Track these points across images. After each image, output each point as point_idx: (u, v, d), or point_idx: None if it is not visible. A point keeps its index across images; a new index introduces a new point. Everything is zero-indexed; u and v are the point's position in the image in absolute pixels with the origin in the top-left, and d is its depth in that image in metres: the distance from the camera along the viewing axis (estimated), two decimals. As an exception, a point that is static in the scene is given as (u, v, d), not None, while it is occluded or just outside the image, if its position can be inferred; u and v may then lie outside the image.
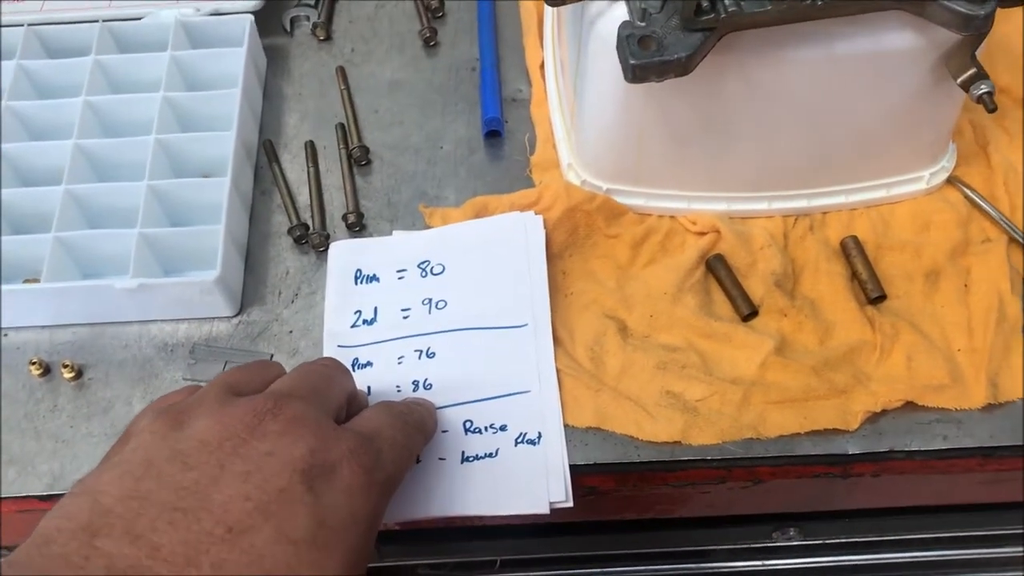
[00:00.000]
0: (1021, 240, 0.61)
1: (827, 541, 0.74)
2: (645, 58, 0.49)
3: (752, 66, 0.53)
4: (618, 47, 0.51)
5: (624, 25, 0.51)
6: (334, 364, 0.51)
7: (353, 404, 0.50)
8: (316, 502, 0.39)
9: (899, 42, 0.53)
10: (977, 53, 0.54)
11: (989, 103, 0.53)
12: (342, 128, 0.68)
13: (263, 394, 0.44)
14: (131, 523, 0.37)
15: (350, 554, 0.40)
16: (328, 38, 0.74)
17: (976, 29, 0.51)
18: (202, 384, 0.56)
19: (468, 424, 0.55)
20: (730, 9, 0.49)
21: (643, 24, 0.51)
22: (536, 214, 0.62)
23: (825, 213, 0.63)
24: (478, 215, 0.63)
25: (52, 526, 0.37)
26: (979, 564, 0.80)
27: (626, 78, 0.50)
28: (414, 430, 0.49)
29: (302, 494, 0.39)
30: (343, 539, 0.40)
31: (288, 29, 0.74)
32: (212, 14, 0.70)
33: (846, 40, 0.53)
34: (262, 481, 0.39)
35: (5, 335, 0.60)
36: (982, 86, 0.53)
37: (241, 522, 0.37)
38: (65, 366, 0.58)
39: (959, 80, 0.54)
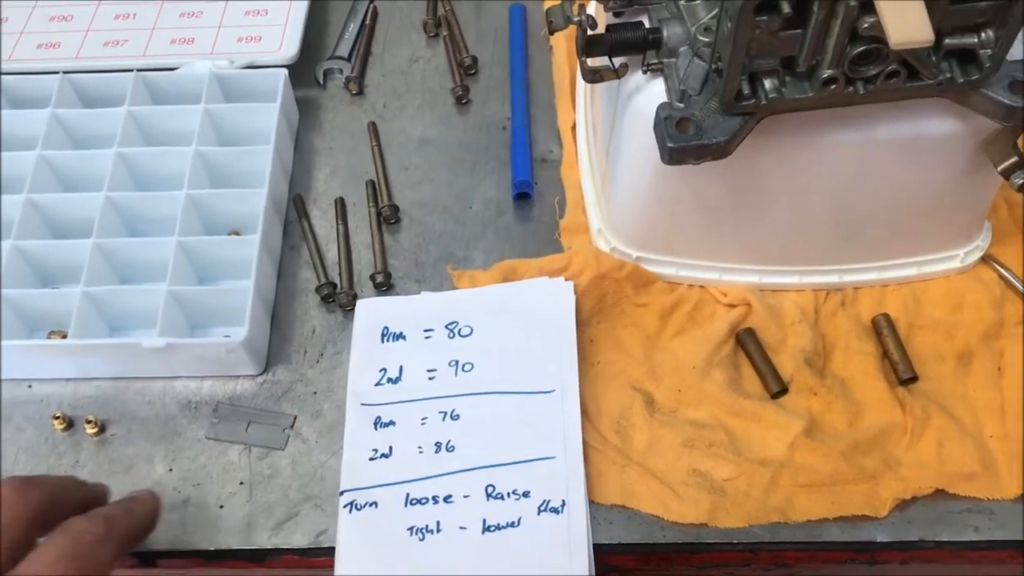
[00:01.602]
0: (1056, 324, 0.60)
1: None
2: (683, 141, 0.49)
3: (790, 148, 0.53)
4: (656, 129, 0.50)
5: (663, 106, 0.50)
6: (62, 485, 0.48)
7: (54, 517, 0.45)
8: None
9: (940, 128, 0.53)
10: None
11: (1030, 192, 0.52)
12: (372, 185, 0.68)
13: None
14: None
15: None
16: (360, 92, 0.74)
17: (1019, 120, 0.50)
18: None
19: (490, 489, 0.55)
20: (771, 95, 0.49)
21: (681, 105, 0.50)
22: (565, 280, 0.62)
23: (857, 288, 0.63)
24: (506, 279, 0.63)
25: None
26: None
27: (663, 160, 0.50)
28: (94, 548, 0.44)
29: None
30: None
31: (321, 82, 0.74)
32: (247, 67, 0.70)
33: (887, 125, 0.52)
34: None
35: (29, 386, 0.60)
36: (1023, 175, 0.53)
37: None
38: (88, 422, 0.58)
39: (1000, 168, 0.53)
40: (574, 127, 0.71)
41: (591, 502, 0.55)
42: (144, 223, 0.64)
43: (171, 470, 0.57)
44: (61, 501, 0.47)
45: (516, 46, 0.74)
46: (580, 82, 0.71)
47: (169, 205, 0.62)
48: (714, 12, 0.49)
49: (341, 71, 0.74)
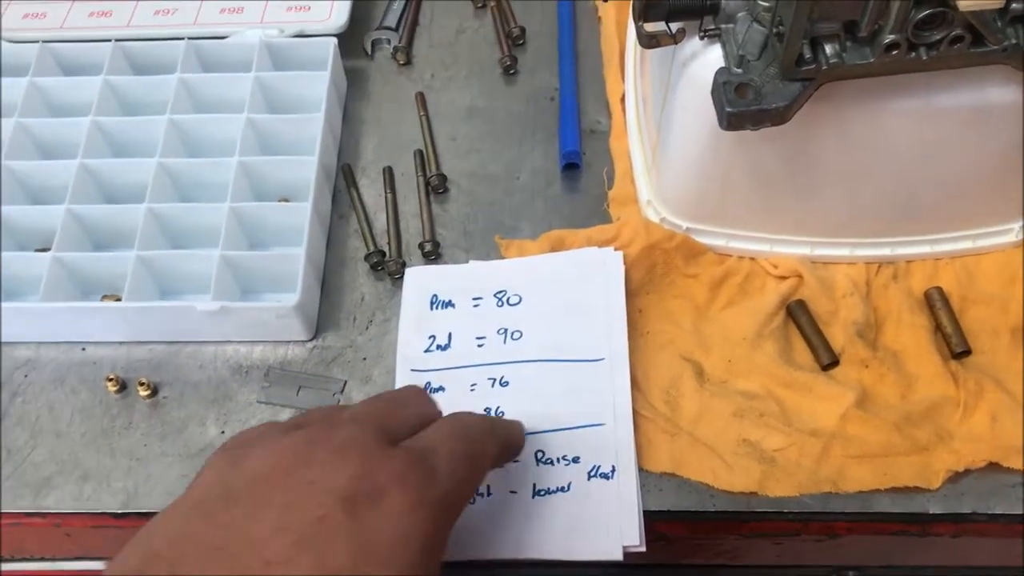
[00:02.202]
0: (1113, 299, 0.59)
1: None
2: (742, 106, 0.49)
3: (849, 116, 0.52)
4: (714, 94, 0.50)
5: (721, 71, 0.50)
6: (414, 390, 0.50)
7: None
8: (357, 529, 0.38)
9: (1003, 97, 0.52)
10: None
11: (1091, 163, 0.52)
12: (420, 155, 0.68)
13: (321, 422, 0.44)
14: (174, 565, 0.37)
15: None
16: (408, 62, 0.74)
17: (1084, 88, 0.49)
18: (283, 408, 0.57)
19: (540, 455, 0.55)
20: (832, 60, 0.48)
21: (740, 71, 0.50)
22: (615, 251, 0.62)
23: (909, 262, 0.62)
24: (554, 249, 0.63)
25: (111, 570, 0.38)
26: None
27: (721, 125, 0.50)
28: (480, 436, 0.46)
29: (342, 522, 0.37)
30: (390, 564, 0.38)
31: (369, 52, 0.74)
32: (296, 35, 0.70)
33: (948, 93, 0.52)
34: (302, 512, 0.38)
35: (83, 349, 0.61)
36: (1085, 145, 0.52)
37: (279, 555, 0.36)
38: (141, 384, 0.59)
39: (1061, 138, 0.53)
40: (623, 98, 0.70)
41: (641, 469, 0.55)
42: (196, 189, 0.64)
43: (223, 432, 0.58)
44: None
45: (564, 17, 0.74)
46: (630, 51, 0.71)
47: (221, 171, 0.63)
48: (775, -24, 0.49)
49: (389, 41, 0.74)
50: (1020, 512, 0.53)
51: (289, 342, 0.61)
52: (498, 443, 0.48)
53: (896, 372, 0.58)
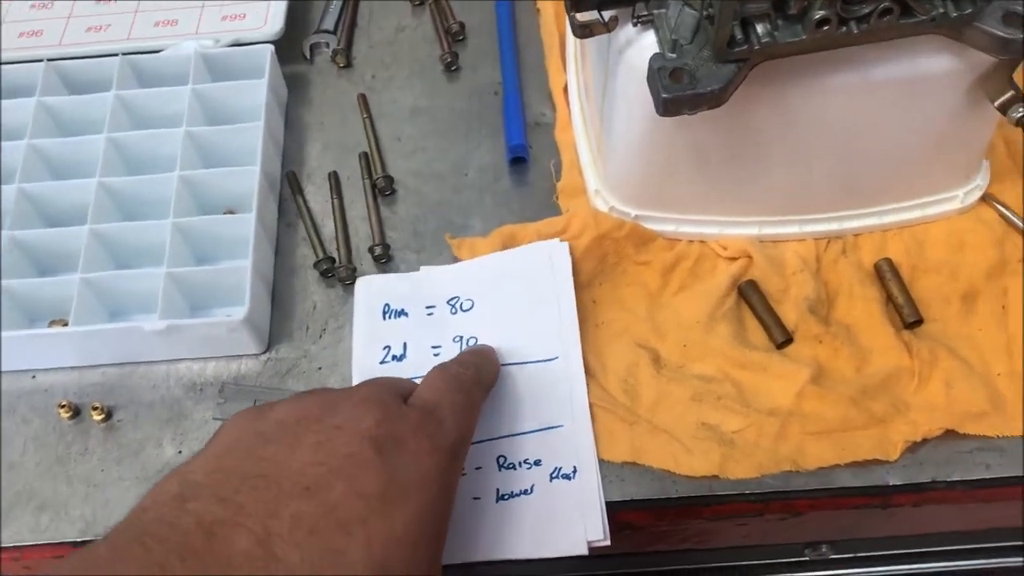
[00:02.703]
0: (1059, 259, 0.60)
1: (859, 555, 0.73)
2: (677, 91, 0.48)
3: (786, 94, 0.52)
4: (649, 80, 0.50)
5: (655, 57, 0.50)
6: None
7: None
8: (385, 464, 0.42)
9: (936, 66, 0.52)
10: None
11: (1028, 126, 0.52)
12: (365, 157, 0.68)
13: (336, 389, 0.49)
14: (217, 490, 0.40)
15: (422, 511, 0.42)
16: (348, 65, 0.73)
17: (1014, 52, 0.50)
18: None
19: (502, 460, 0.55)
20: (764, 40, 0.48)
21: (674, 55, 0.50)
22: (564, 242, 0.61)
23: (858, 235, 0.62)
24: (505, 245, 0.62)
25: (146, 501, 0.41)
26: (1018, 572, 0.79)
27: (658, 112, 0.49)
28: (472, 386, 0.51)
29: (372, 457, 0.42)
30: (414, 496, 0.42)
31: (308, 56, 0.73)
32: (232, 45, 0.69)
33: (882, 65, 0.52)
34: (333, 448, 0.42)
35: (33, 376, 0.60)
36: (1020, 109, 0.52)
37: (316, 482, 0.40)
38: (95, 408, 0.58)
39: (997, 103, 0.53)
40: (566, 88, 0.70)
41: (602, 461, 0.55)
42: (138, 206, 0.63)
43: (180, 452, 0.57)
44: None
45: (503, 10, 0.74)
46: (570, 42, 0.71)
47: (162, 187, 0.62)
48: (702, -42, 0.49)
49: (327, 44, 0.73)
50: (978, 478, 0.54)
51: (242, 356, 0.60)
52: (484, 389, 0.53)
53: (850, 346, 0.58)
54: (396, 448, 0.43)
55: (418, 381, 0.51)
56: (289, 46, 0.73)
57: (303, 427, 0.43)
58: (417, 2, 0.76)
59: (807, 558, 0.71)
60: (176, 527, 0.38)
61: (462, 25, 0.73)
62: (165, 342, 0.58)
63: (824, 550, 0.70)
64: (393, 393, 0.47)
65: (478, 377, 0.52)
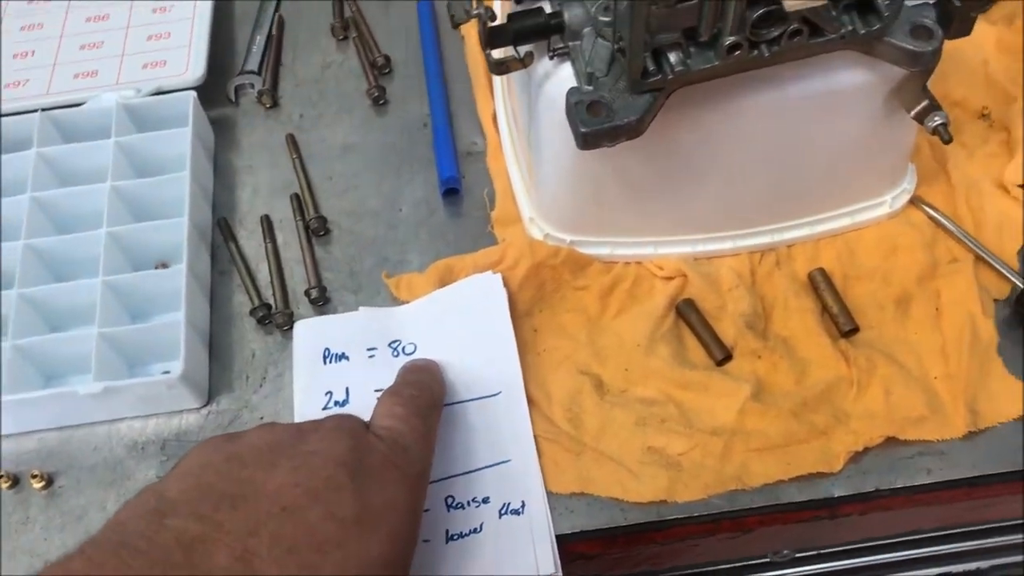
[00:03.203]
0: (987, 258, 0.61)
1: (822, 551, 0.73)
2: (595, 125, 0.49)
3: (706, 117, 0.53)
4: (568, 115, 0.50)
5: (572, 91, 0.50)
6: None
7: None
8: (359, 489, 0.43)
9: (851, 80, 0.53)
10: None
11: (944, 134, 0.53)
12: (297, 198, 0.67)
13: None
14: (195, 507, 0.41)
15: (394, 536, 0.43)
16: (275, 105, 0.72)
17: (924, 65, 0.50)
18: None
19: (450, 500, 0.54)
20: (677, 68, 0.48)
21: (590, 88, 0.50)
22: (500, 273, 0.61)
23: (791, 246, 0.63)
24: (443, 280, 0.62)
25: (122, 515, 0.41)
26: (976, 554, 0.80)
27: (578, 145, 0.49)
28: (429, 410, 0.52)
29: (347, 482, 0.43)
30: (387, 521, 0.43)
31: (233, 99, 0.73)
32: (154, 93, 0.68)
33: (798, 83, 0.52)
34: (310, 472, 0.43)
35: (-30, 447, 0.59)
36: (936, 118, 0.53)
37: (294, 503, 0.41)
38: (34, 476, 0.57)
39: (912, 113, 0.54)
40: (495, 116, 0.70)
41: (550, 493, 0.55)
42: (68, 266, 0.62)
43: (125, 514, 0.56)
44: None
45: (428, 41, 0.73)
46: (496, 70, 0.71)
47: (90, 245, 0.61)
48: (611, -9, 0.49)
49: (252, 85, 0.73)
50: (921, 483, 0.54)
51: (183, 411, 0.59)
52: (438, 409, 0.54)
53: (788, 359, 0.58)
54: (368, 475, 0.44)
55: None
56: (213, 89, 0.72)
57: (278, 452, 0.44)
58: (341, 37, 0.75)
59: (769, 559, 0.72)
60: (154, 542, 0.39)
61: (387, 58, 0.73)
62: (103, 403, 0.57)
63: (786, 552, 0.71)
64: (360, 424, 0.48)
65: (431, 399, 0.53)
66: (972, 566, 0.85)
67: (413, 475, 0.46)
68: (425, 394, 0.53)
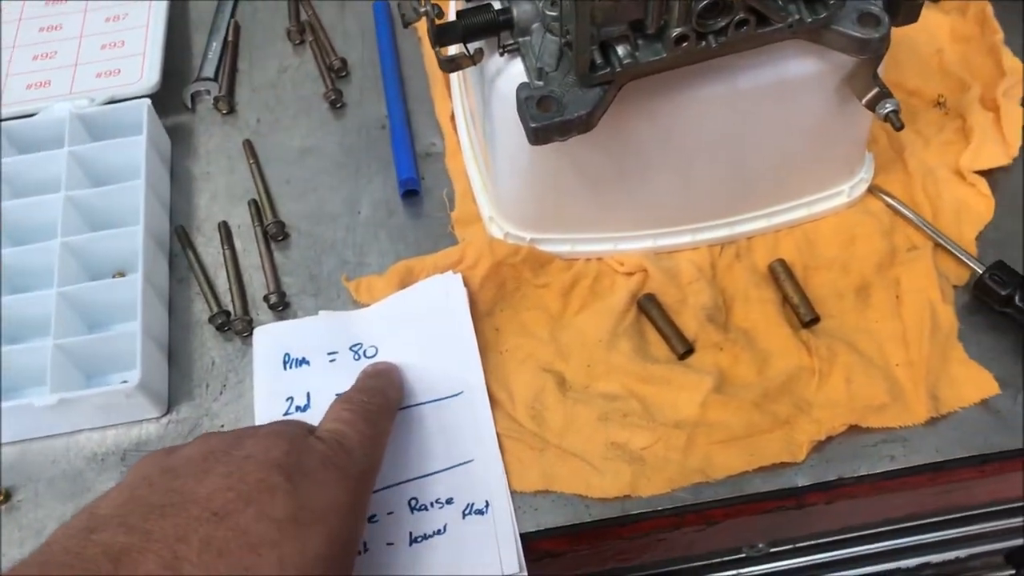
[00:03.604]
0: (946, 245, 0.61)
1: (796, 546, 0.73)
2: (546, 120, 0.48)
3: (658, 110, 0.53)
4: (518, 111, 0.50)
5: (522, 87, 0.50)
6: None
7: None
8: (295, 489, 0.42)
9: (800, 70, 0.53)
10: (880, 68, 0.54)
11: (896, 121, 0.53)
12: (255, 204, 0.66)
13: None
14: (124, 519, 0.40)
15: (332, 536, 0.42)
16: (232, 111, 0.72)
17: (873, 52, 0.50)
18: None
19: (413, 502, 0.54)
20: (625, 61, 0.48)
21: (540, 83, 0.50)
22: (461, 273, 0.61)
23: (750, 238, 0.63)
24: (403, 281, 0.62)
25: (53, 536, 0.41)
26: (954, 543, 0.80)
27: (529, 141, 0.49)
28: (379, 416, 0.51)
29: (281, 483, 0.42)
30: (325, 521, 0.42)
31: (190, 106, 0.72)
32: (108, 102, 0.68)
33: (748, 73, 0.52)
34: (243, 476, 0.42)
35: (-75, 464, 0.58)
36: (887, 105, 0.53)
37: (225, 507, 0.41)
38: (-8, 491, 0.56)
39: (864, 100, 0.54)
40: (453, 116, 0.70)
41: (514, 492, 0.54)
42: (22, 277, 0.61)
43: (85, 527, 0.55)
44: None
45: (384, 42, 0.73)
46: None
47: (45, 255, 0.60)
48: (557, -15, 0.48)
49: (209, 92, 0.72)
50: (884, 470, 0.54)
51: (142, 421, 0.59)
52: (391, 414, 0.53)
53: (750, 350, 0.58)
54: (305, 476, 0.43)
55: None
56: (169, 97, 0.71)
57: (212, 460, 0.44)
58: (297, 41, 0.75)
59: (744, 555, 0.71)
60: (82, 556, 0.38)
61: (344, 61, 0.73)
62: (60, 415, 0.57)
63: (761, 546, 0.71)
64: (301, 428, 0.47)
65: (384, 404, 0.53)
66: (951, 555, 0.85)
67: (354, 475, 0.46)
68: (377, 399, 0.52)
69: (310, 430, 0.48)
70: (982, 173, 0.64)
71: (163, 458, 0.45)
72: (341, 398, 0.52)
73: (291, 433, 0.46)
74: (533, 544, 0.53)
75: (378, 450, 0.49)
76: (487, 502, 0.54)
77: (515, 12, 0.51)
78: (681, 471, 0.54)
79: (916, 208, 0.63)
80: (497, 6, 0.51)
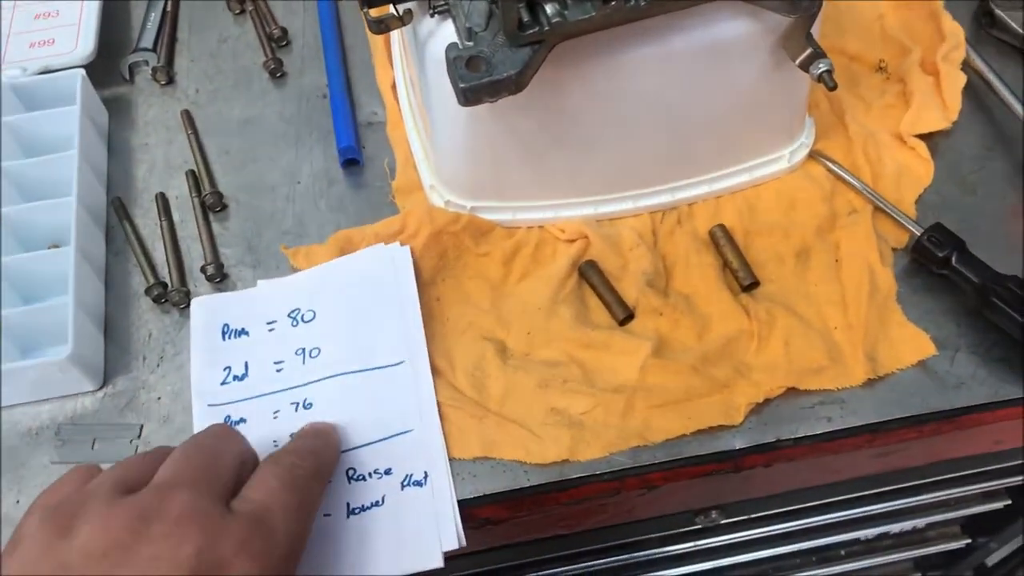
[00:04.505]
0: (885, 208, 0.61)
1: (750, 516, 0.73)
2: (475, 80, 0.48)
3: (590, 72, 0.52)
4: (448, 71, 0.49)
5: (451, 47, 0.49)
6: (221, 432, 0.49)
7: (245, 468, 0.47)
8: None
9: (733, 31, 0.53)
10: (813, 30, 0.53)
11: (829, 81, 0.53)
12: (193, 175, 0.65)
13: (147, 489, 0.43)
14: None
15: None
16: (171, 81, 0.71)
17: (805, 11, 0.50)
18: (77, 464, 0.53)
19: (351, 472, 0.54)
20: (554, 20, 0.48)
21: (471, 44, 0.49)
22: (403, 243, 0.60)
23: (691, 205, 0.63)
24: (343, 250, 0.61)
25: None
26: (911, 512, 0.81)
27: (459, 102, 0.49)
28: (309, 483, 0.48)
29: None
30: None
31: (128, 77, 0.71)
32: (42, 72, 0.66)
33: (681, 34, 0.52)
34: None
35: None
36: (820, 65, 0.53)
37: None
38: (-78, 467, 0.55)
39: (797, 61, 0.54)
40: (394, 85, 0.69)
41: (452, 459, 0.54)
42: (-46, 249, 0.60)
43: (18, 502, 0.55)
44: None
45: (325, 12, 0.72)
46: (395, 38, 0.70)
47: (-23, 227, 0.59)
48: (485, -57, 0.48)
49: (147, 62, 0.71)
50: (822, 431, 0.54)
51: (77, 395, 0.58)
52: (323, 479, 0.50)
53: (690, 315, 0.58)
54: (221, 570, 0.40)
55: (252, 429, 0.50)
56: (108, 68, 0.70)
57: (114, 561, 0.39)
58: (238, 11, 0.74)
59: (699, 525, 0.72)
60: None
61: (284, 30, 0.72)
62: (-7, 389, 0.56)
63: (715, 515, 0.71)
64: (215, 497, 0.43)
65: (316, 468, 0.49)
66: (908, 525, 0.86)
67: (276, 558, 0.42)
68: (308, 462, 0.49)
69: (231, 489, 0.45)
70: (922, 137, 0.64)
71: (56, 545, 0.40)
72: (270, 458, 0.48)
73: (204, 512, 0.42)
74: (472, 511, 0.53)
75: (304, 522, 0.46)
76: (426, 473, 0.53)
77: (445, -28, 0.50)
78: (620, 435, 0.54)
79: (857, 172, 0.63)
80: (427, -34, 0.51)
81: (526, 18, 0.47)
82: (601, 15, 0.48)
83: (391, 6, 0.51)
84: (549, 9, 0.48)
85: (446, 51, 0.49)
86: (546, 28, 0.48)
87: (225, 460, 0.46)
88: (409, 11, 0.51)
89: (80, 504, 0.42)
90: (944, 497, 0.79)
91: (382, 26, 0.51)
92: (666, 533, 0.74)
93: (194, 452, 0.46)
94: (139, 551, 0.39)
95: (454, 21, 0.51)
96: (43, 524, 0.41)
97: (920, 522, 0.86)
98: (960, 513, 0.85)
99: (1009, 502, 0.84)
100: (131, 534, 0.40)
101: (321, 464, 0.50)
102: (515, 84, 0.48)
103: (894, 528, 0.87)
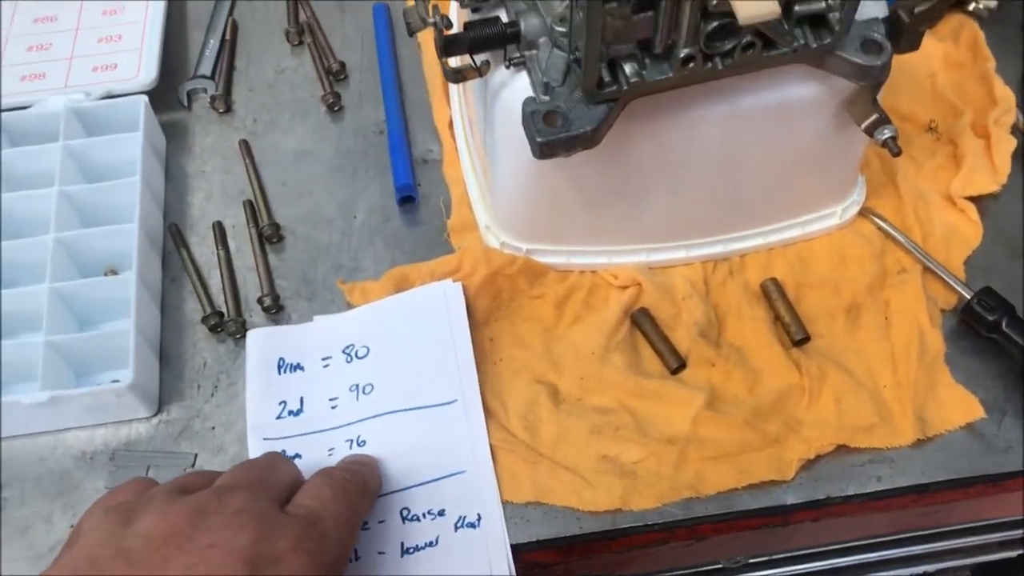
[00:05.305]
0: (935, 269, 0.62)
1: (775, 556, 0.74)
2: (552, 135, 0.49)
3: (660, 128, 0.53)
4: (524, 124, 0.50)
5: (528, 101, 0.50)
6: (276, 455, 0.52)
7: (297, 487, 0.49)
8: None
9: (802, 93, 0.53)
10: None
11: (893, 147, 0.53)
12: (250, 205, 0.66)
13: (208, 489, 0.45)
14: None
15: None
16: (228, 110, 0.72)
17: (874, 79, 0.51)
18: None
19: (405, 512, 0.54)
20: (632, 79, 0.48)
21: (547, 98, 0.50)
22: (457, 282, 0.61)
23: (743, 256, 0.64)
24: (398, 287, 0.62)
25: None
26: (924, 558, 0.81)
27: (534, 155, 0.49)
28: (358, 497, 0.50)
29: None
30: None
31: (186, 103, 0.72)
32: (104, 97, 0.67)
33: (751, 95, 0.53)
34: (206, 570, 0.40)
35: (-91, 458, 0.57)
36: (885, 131, 0.54)
37: None
38: (-23, 488, 0.56)
39: (863, 126, 0.54)
40: (451, 123, 0.70)
41: (505, 503, 0.55)
42: (14, 272, 0.61)
43: (72, 527, 0.55)
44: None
45: (383, 47, 0.73)
46: (452, 78, 0.70)
47: (37, 251, 0.60)
48: (567, 1, 0.49)
49: (206, 90, 0.72)
50: (871, 490, 0.55)
51: (132, 420, 0.58)
52: (369, 498, 0.52)
53: (741, 368, 0.59)
54: (274, 564, 0.41)
55: (306, 465, 0.50)
56: (165, 93, 0.71)
57: (173, 546, 0.41)
58: (296, 42, 0.75)
59: (722, 565, 0.72)
60: None
61: (343, 64, 0.73)
62: (49, 413, 0.56)
63: (739, 558, 0.71)
64: (271, 499, 0.45)
65: (365, 484, 0.51)
66: (919, 570, 0.87)
67: (325, 563, 0.43)
68: (357, 479, 0.50)
69: (283, 493, 0.46)
70: (971, 199, 0.65)
71: (117, 529, 0.42)
72: (321, 472, 0.50)
73: (260, 511, 0.43)
74: (524, 556, 0.54)
75: (352, 533, 0.48)
76: (479, 515, 0.54)
77: (523, 26, 0.51)
78: (672, 486, 0.55)
79: (907, 232, 0.64)
80: (505, 19, 0.52)
81: (606, 77, 0.48)
82: (678, 76, 0.49)
83: (469, 56, 0.52)
84: (628, 69, 0.48)
85: (523, 104, 0.50)
86: (624, 87, 0.48)
87: (280, 475, 0.49)
88: (487, 62, 0.52)
89: (142, 502, 0.44)
90: (960, 545, 0.79)
91: (459, 76, 0.52)
92: (687, 571, 0.74)
93: (250, 465, 0.49)
94: (197, 539, 0.41)
95: (530, 75, 0.52)
96: (106, 516, 0.43)
97: (931, 567, 0.86)
98: (973, 560, 0.85)
99: (1023, 551, 0.84)
100: (190, 524, 0.42)
101: (367, 483, 0.52)
102: (590, 139, 0.49)
103: (904, 572, 0.87)
